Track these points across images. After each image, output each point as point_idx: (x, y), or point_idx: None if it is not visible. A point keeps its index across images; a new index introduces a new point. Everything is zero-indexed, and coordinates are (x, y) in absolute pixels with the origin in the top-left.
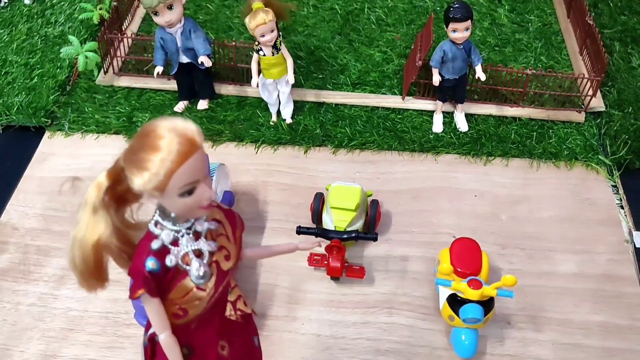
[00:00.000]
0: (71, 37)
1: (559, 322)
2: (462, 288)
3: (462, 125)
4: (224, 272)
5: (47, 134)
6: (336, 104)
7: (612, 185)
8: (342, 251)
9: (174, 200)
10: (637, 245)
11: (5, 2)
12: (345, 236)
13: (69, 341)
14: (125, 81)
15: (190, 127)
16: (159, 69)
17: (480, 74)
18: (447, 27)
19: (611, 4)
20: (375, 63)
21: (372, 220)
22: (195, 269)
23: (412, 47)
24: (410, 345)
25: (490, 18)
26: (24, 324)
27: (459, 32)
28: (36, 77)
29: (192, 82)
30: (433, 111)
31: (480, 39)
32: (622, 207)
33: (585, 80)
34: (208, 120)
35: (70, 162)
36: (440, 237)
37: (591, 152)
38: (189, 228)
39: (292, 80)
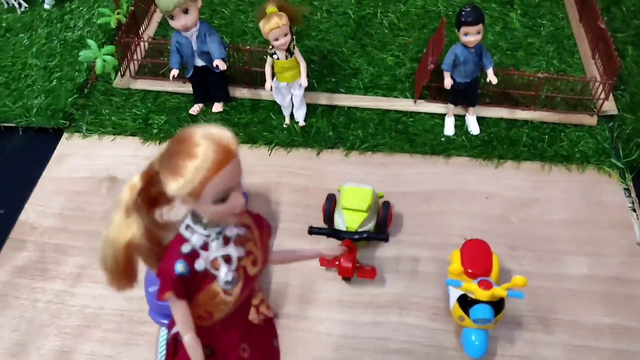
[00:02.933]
0: (89, 41)
1: (569, 324)
2: (473, 289)
3: (473, 128)
4: (251, 277)
5: (65, 135)
6: (349, 107)
7: (625, 189)
8: (353, 252)
9: (207, 206)
10: None
11: (25, 7)
12: (356, 237)
13: (84, 338)
14: (141, 84)
15: (226, 135)
16: (174, 72)
17: (491, 78)
18: (458, 30)
19: (624, 8)
20: (387, 67)
21: (383, 222)
22: (224, 274)
23: (424, 51)
24: (420, 345)
25: (502, 22)
26: (41, 321)
27: (471, 35)
28: (55, 80)
29: (207, 85)
30: (444, 114)
31: (492, 43)
32: (634, 210)
33: (597, 84)
34: (222, 123)
35: (87, 163)
36: (450, 238)
37: (603, 155)
38: (219, 233)
39: (305, 84)
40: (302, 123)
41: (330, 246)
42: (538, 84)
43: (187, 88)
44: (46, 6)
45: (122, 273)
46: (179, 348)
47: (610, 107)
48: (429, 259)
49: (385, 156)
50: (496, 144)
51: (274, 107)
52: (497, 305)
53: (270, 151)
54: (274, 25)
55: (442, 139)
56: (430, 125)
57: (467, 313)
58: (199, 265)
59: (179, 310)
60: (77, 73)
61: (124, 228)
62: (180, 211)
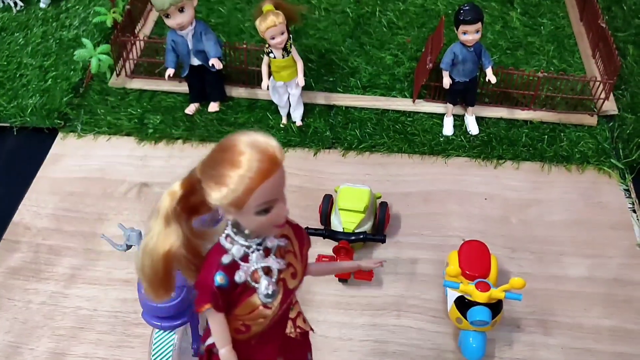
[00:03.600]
0: (84, 40)
1: (569, 326)
2: (470, 290)
3: (472, 128)
4: (290, 290)
5: (60, 135)
6: (346, 107)
7: (625, 189)
8: (350, 253)
9: (250, 217)
10: None
11: (21, 6)
12: (353, 238)
13: (78, 339)
14: (137, 83)
15: (271, 144)
16: (169, 71)
17: (490, 77)
18: (457, 29)
19: (625, 7)
20: (386, 66)
21: (380, 223)
22: (264, 287)
23: (423, 50)
24: (418, 347)
25: (502, 21)
26: (35, 322)
27: (470, 34)
28: (50, 80)
29: (203, 85)
30: (443, 114)
31: (492, 42)
32: (634, 211)
33: (597, 83)
34: (218, 122)
35: (82, 163)
36: (449, 240)
37: (603, 155)
38: (260, 244)
39: (302, 83)
40: (299, 123)
41: (368, 260)
42: (537, 84)
43: (184, 87)
44: (42, 5)
45: (160, 283)
46: None
47: (610, 107)
48: (427, 260)
49: (383, 156)
50: (495, 144)
51: (271, 106)
52: (495, 307)
53: None
54: (270, 23)
55: (441, 139)
56: (429, 125)
57: (464, 315)
58: (239, 277)
59: (217, 322)
60: (72, 72)
61: (162, 237)
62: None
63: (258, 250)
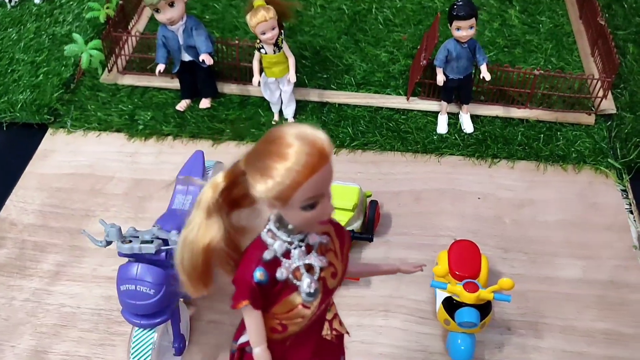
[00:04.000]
0: (75, 35)
1: (561, 329)
2: (458, 291)
3: (467, 126)
4: (329, 290)
5: (49, 131)
6: (339, 104)
7: (622, 190)
8: None
9: (295, 212)
10: None
11: (15, 2)
12: None
13: (60, 337)
14: (129, 79)
15: (320, 137)
16: (160, 67)
17: (485, 74)
18: (450, 25)
19: (626, 5)
20: (381, 63)
21: (370, 221)
22: (307, 285)
23: (419, 47)
24: (405, 349)
25: (500, 19)
26: (17, 319)
27: (463, 30)
28: (41, 75)
29: (195, 81)
30: (438, 112)
31: (489, 40)
32: (631, 212)
33: (595, 82)
34: (209, 119)
35: (71, 159)
36: (440, 239)
37: (600, 155)
38: (302, 240)
39: (293, 79)
40: (291, 120)
41: (408, 263)
42: (534, 82)
43: (175, 84)
44: (36, 1)
45: (199, 276)
46: (244, 359)
47: (608, 105)
48: (417, 260)
49: (376, 154)
50: (490, 143)
51: (263, 103)
52: (484, 308)
53: None
54: (260, 18)
55: (435, 137)
56: (423, 123)
57: (452, 316)
58: (280, 274)
59: (253, 320)
60: (63, 68)
61: (204, 229)
62: (263, 215)
63: (300, 246)
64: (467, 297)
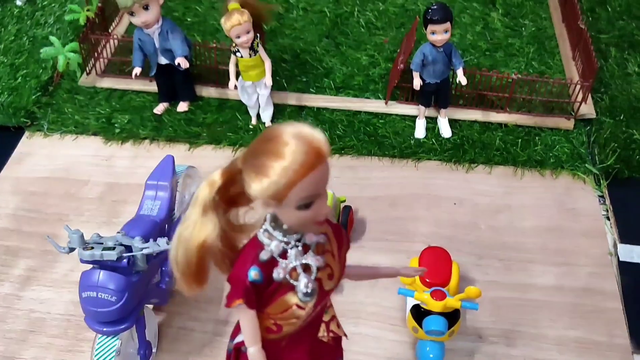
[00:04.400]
0: (52, 38)
1: (533, 336)
2: (425, 299)
3: (444, 131)
4: (325, 291)
5: (26, 134)
6: (318, 108)
7: (599, 196)
8: None
9: (290, 211)
10: (621, 259)
11: None
12: None
13: (29, 343)
14: (107, 82)
15: (317, 136)
16: (136, 70)
17: (461, 78)
18: (426, 29)
19: (609, 9)
20: (361, 67)
21: (342, 227)
22: (304, 285)
23: (399, 50)
24: (375, 357)
25: (482, 22)
26: None
27: (438, 34)
28: (20, 78)
29: (172, 84)
30: (416, 116)
31: (471, 43)
32: (607, 219)
33: (575, 86)
34: (186, 122)
35: (46, 163)
36: (415, 245)
37: (578, 160)
38: (299, 240)
39: (269, 83)
40: (268, 124)
41: (409, 267)
42: (512, 86)
43: (154, 87)
44: (18, 3)
45: (193, 275)
46: (240, 359)
47: (588, 110)
48: (391, 266)
49: (353, 159)
50: (468, 148)
51: (241, 107)
52: (452, 316)
53: (234, 152)
54: (235, 22)
55: (412, 142)
56: (401, 128)
57: (420, 324)
58: (277, 274)
59: (248, 320)
60: (42, 71)
61: (199, 227)
62: (258, 214)
63: (297, 246)
64: (434, 305)
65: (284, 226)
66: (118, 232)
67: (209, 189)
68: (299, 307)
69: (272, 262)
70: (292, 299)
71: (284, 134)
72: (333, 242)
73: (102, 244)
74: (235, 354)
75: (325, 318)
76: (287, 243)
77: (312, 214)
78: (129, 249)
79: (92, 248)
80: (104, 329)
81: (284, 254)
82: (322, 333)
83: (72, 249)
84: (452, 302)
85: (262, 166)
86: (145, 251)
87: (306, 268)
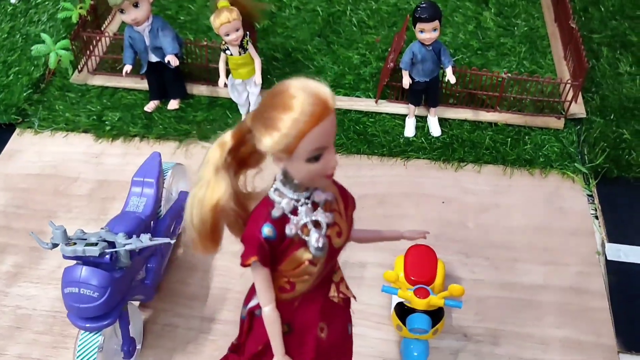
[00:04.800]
0: (44, 35)
1: (518, 335)
2: (409, 297)
3: (434, 129)
4: (335, 249)
5: (17, 131)
6: None
7: (588, 195)
8: None
9: (301, 164)
10: (609, 258)
11: None
12: None
13: (14, 339)
14: (99, 80)
15: (323, 89)
16: (127, 67)
17: (450, 77)
18: (414, 27)
19: (602, 8)
20: (352, 66)
21: None
22: (315, 239)
23: (390, 49)
24: (361, 355)
25: (475, 21)
26: None
27: (427, 32)
28: (12, 75)
29: (163, 82)
30: (406, 115)
31: (463, 43)
32: (596, 218)
33: (566, 86)
34: (176, 120)
35: (36, 160)
36: (401, 244)
37: (568, 159)
38: (308, 198)
39: (259, 81)
40: None
41: (412, 230)
42: (502, 85)
43: (145, 84)
44: (12, 0)
45: (208, 235)
46: (254, 323)
47: (578, 109)
48: (377, 264)
49: (342, 157)
50: (457, 147)
51: (232, 105)
52: (435, 314)
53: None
54: (224, 19)
55: (401, 141)
56: (391, 126)
57: (404, 322)
58: (289, 230)
59: (262, 278)
60: (34, 68)
61: (212, 188)
62: (268, 177)
63: (307, 203)
64: (418, 303)
65: (294, 181)
66: (102, 228)
67: (220, 150)
68: (310, 262)
69: (283, 219)
70: (305, 254)
71: (291, 88)
72: (340, 202)
73: (85, 240)
74: (249, 318)
75: (335, 279)
76: (297, 200)
77: (322, 166)
78: (112, 245)
79: (75, 244)
80: (86, 325)
81: (294, 211)
82: (333, 293)
83: (55, 245)
84: (435, 300)
85: (272, 119)
86: (127, 247)
87: (316, 224)
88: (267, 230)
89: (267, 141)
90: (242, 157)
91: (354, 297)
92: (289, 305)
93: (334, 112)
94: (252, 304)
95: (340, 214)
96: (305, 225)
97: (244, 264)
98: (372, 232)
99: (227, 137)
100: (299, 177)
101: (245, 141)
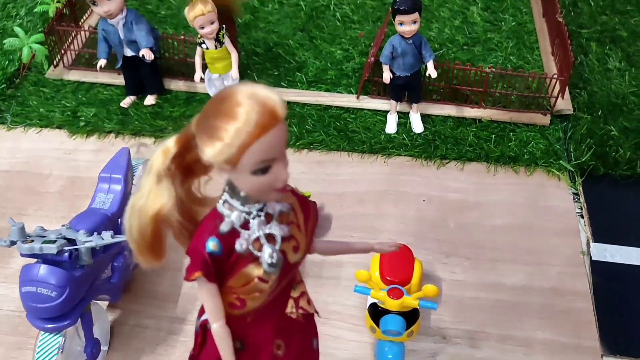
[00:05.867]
0: (17, 29)
1: (498, 338)
2: (382, 297)
3: (416, 126)
4: (290, 264)
5: None
6: (288, 102)
7: (574, 193)
8: None
9: (246, 177)
10: (594, 258)
11: None
12: None
13: None
14: (75, 75)
15: (272, 97)
16: (101, 61)
17: (431, 71)
18: (394, 20)
19: (592, 3)
20: (334, 61)
21: None
22: (268, 255)
23: (372, 44)
24: (334, 357)
25: (462, 16)
26: None
27: (406, 25)
28: None
29: (140, 77)
30: (388, 111)
31: (449, 37)
32: (581, 217)
33: (552, 81)
34: (152, 116)
35: (8, 156)
36: None
37: (553, 157)
38: (260, 210)
39: (236, 76)
40: None
41: (383, 242)
42: (486, 80)
43: (122, 80)
44: None
45: (148, 247)
46: (207, 337)
47: (565, 105)
48: (354, 264)
49: (321, 154)
50: (439, 143)
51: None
52: (410, 316)
53: None
54: (198, 12)
55: (382, 137)
56: (372, 123)
57: (378, 323)
58: (240, 245)
59: (208, 294)
60: (8, 63)
61: (153, 196)
62: (219, 185)
63: (259, 216)
64: (391, 303)
65: (241, 194)
66: (63, 225)
67: (162, 157)
68: (261, 279)
69: (233, 234)
70: (254, 271)
71: (238, 94)
72: (299, 214)
73: (44, 237)
74: (202, 331)
75: (294, 294)
76: (248, 213)
77: (269, 180)
78: (73, 242)
79: (33, 241)
80: (45, 326)
81: (245, 225)
82: (290, 309)
83: (13, 242)
84: (409, 300)
85: (215, 128)
86: (88, 244)
87: (270, 238)
88: (211, 244)
89: (209, 151)
90: (188, 164)
91: (317, 313)
92: (241, 320)
93: (284, 122)
94: (205, 316)
95: (298, 227)
96: (257, 239)
97: (187, 279)
98: (339, 244)
99: (170, 143)
100: (245, 190)
101: (191, 148)
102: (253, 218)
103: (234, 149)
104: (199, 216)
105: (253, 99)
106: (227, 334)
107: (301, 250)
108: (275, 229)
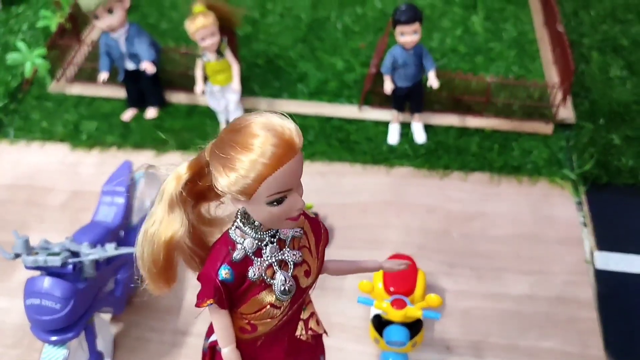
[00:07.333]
0: (19, 44)
1: (503, 347)
2: (385, 308)
3: (418, 136)
4: (302, 289)
5: None
6: (289, 114)
7: (577, 202)
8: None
9: (261, 207)
10: (598, 267)
11: None
12: None
13: None
14: (77, 89)
15: (288, 127)
16: (103, 75)
17: (432, 81)
18: (395, 30)
19: (593, 13)
20: (336, 72)
21: None
22: (281, 282)
23: (374, 55)
24: None
25: (463, 26)
26: None
27: (407, 35)
28: None
29: (141, 90)
30: (390, 121)
31: (450, 47)
32: (585, 225)
33: (554, 90)
34: (154, 128)
35: (11, 170)
36: (383, 253)
37: (556, 166)
38: (273, 236)
39: (237, 87)
40: None
41: (393, 261)
42: (487, 90)
43: (124, 93)
44: None
45: (160, 273)
46: (216, 358)
47: (567, 114)
48: (356, 275)
49: (324, 165)
50: (442, 153)
51: (211, 112)
52: (414, 326)
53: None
54: (199, 25)
55: (384, 148)
56: (374, 133)
57: (381, 334)
58: (253, 273)
59: (220, 320)
60: (11, 77)
61: (165, 223)
62: (230, 208)
63: (272, 242)
64: (394, 314)
65: (255, 222)
66: (66, 238)
67: (175, 183)
68: (273, 306)
69: (245, 261)
70: (266, 297)
71: (253, 125)
72: (310, 237)
73: (48, 249)
74: (210, 352)
75: (304, 316)
76: (261, 240)
77: (285, 210)
78: (76, 255)
79: (37, 254)
80: (49, 338)
81: (258, 252)
82: (300, 332)
83: (17, 255)
84: (412, 311)
85: (230, 159)
86: (91, 257)
87: (282, 264)
88: (224, 272)
89: (223, 181)
90: (200, 191)
91: (326, 333)
92: (252, 344)
93: (300, 153)
94: (213, 338)
95: (310, 250)
96: (270, 265)
97: (199, 306)
98: (349, 264)
99: (182, 169)
100: (259, 219)
101: (203, 174)
102: (265, 245)
103: (249, 181)
104: (209, 239)
105: (269, 130)
106: (237, 357)
107: (313, 274)
108: (288, 255)
